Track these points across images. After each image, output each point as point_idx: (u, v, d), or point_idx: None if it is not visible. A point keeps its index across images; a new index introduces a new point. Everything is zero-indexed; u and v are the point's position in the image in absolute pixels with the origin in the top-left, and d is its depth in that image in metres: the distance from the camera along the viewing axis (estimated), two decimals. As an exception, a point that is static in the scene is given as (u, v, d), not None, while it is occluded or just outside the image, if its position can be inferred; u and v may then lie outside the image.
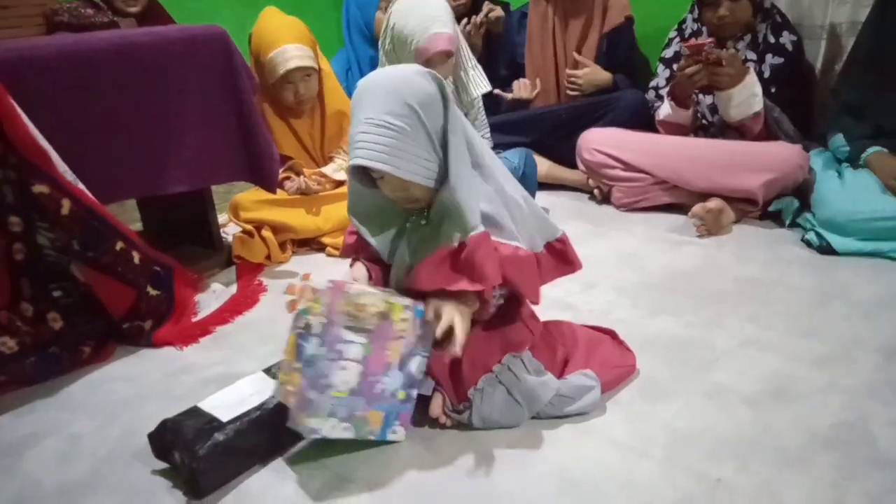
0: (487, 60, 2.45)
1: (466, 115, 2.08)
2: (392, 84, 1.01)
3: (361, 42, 2.32)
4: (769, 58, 2.03)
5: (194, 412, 1.10)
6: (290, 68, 1.95)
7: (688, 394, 1.20)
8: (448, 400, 1.14)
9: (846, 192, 1.79)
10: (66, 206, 1.36)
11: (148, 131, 1.60)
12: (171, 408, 1.16)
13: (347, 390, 1.02)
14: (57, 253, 1.39)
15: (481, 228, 1.02)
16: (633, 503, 0.97)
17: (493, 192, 1.08)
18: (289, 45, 1.96)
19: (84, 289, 1.45)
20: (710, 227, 1.89)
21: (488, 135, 2.15)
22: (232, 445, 1.05)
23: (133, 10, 2.37)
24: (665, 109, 2.11)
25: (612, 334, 1.31)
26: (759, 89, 1.93)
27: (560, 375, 1.18)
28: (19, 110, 1.32)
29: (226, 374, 1.37)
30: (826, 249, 1.74)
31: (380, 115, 1.00)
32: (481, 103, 2.07)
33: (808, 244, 1.79)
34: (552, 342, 1.24)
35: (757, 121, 1.97)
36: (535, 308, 1.22)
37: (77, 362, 1.44)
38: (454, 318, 1.03)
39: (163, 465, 1.10)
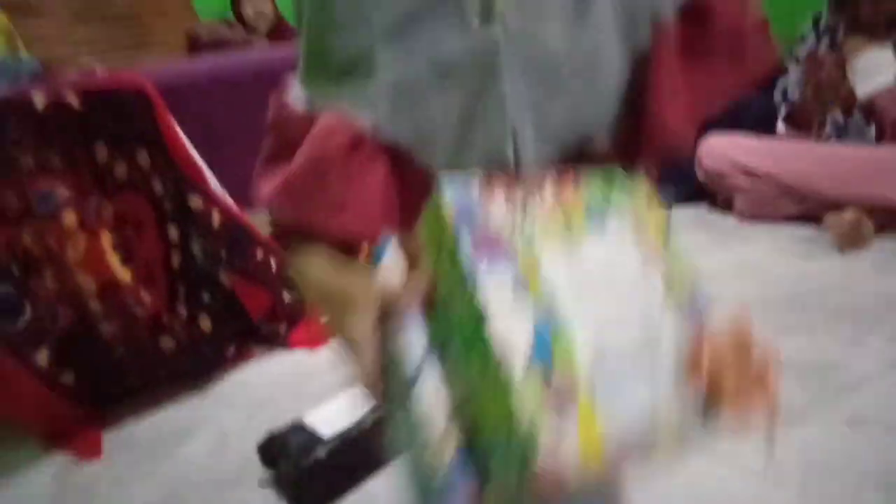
0: None
1: None
2: None
3: None
4: None
5: (299, 426, 1.19)
6: None
7: (826, 420, 1.15)
8: None
9: None
10: (216, 218, 1.49)
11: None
12: (305, 407, 1.25)
13: None
14: (207, 260, 1.53)
15: None
16: (770, 532, 0.95)
17: None
18: None
19: (227, 293, 1.58)
20: (849, 241, 1.78)
21: None
22: (331, 463, 1.12)
23: (263, 27, 2.52)
24: None
25: None
26: (888, 62, 1.80)
27: None
28: (177, 128, 1.46)
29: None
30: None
31: None
32: None
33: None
34: None
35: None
36: None
37: (223, 361, 1.57)
38: None
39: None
